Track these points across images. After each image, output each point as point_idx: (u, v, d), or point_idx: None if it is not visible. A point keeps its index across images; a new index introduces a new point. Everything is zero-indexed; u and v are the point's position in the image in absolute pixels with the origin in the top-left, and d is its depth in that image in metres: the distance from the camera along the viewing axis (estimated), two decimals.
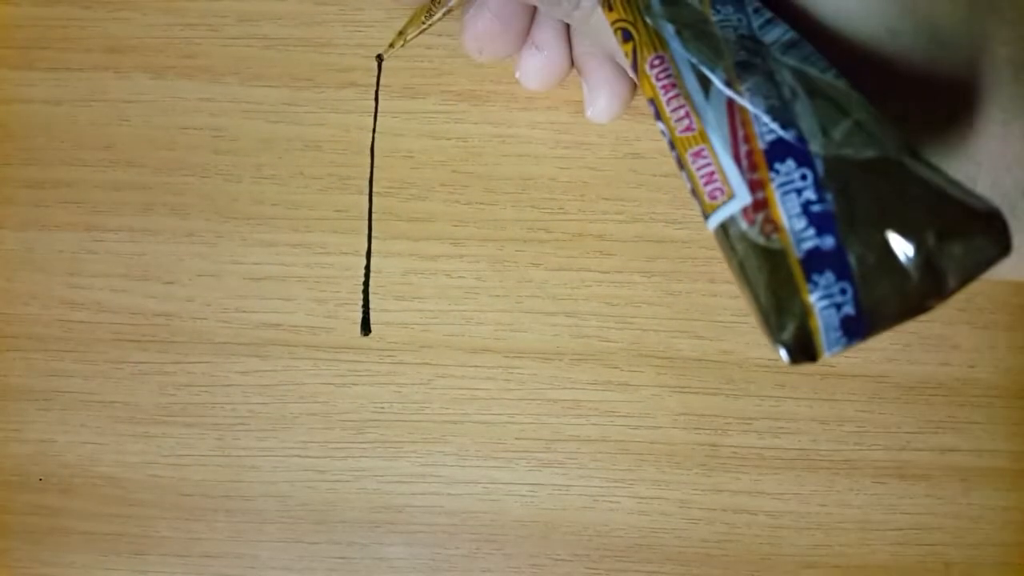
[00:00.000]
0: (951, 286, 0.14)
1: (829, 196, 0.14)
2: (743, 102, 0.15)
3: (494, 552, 0.36)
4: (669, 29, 0.16)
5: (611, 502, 0.36)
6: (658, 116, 0.16)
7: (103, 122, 0.37)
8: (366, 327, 0.37)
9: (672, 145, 0.16)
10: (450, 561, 0.36)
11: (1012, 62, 0.17)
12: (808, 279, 0.14)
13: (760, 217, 0.14)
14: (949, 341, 0.36)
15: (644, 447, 0.36)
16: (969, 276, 0.14)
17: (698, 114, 0.15)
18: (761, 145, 0.15)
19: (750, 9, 0.16)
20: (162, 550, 0.37)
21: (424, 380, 0.36)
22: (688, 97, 0.15)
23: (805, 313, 0.14)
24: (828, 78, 0.15)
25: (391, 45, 0.24)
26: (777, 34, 0.16)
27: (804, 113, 0.15)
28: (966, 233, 0.14)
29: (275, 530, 0.37)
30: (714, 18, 0.16)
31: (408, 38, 0.25)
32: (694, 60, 0.16)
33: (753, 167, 0.15)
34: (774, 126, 0.15)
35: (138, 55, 0.37)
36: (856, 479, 0.36)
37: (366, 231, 0.36)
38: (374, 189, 0.36)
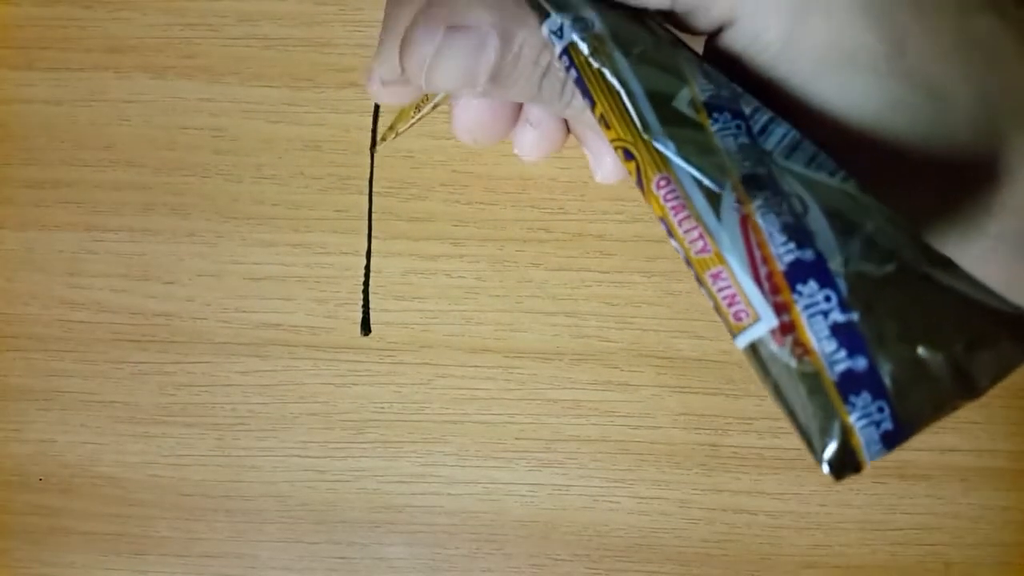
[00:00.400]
0: (983, 387, 0.14)
1: (855, 316, 0.14)
2: (756, 222, 0.15)
3: (494, 552, 0.36)
4: (671, 148, 0.16)
5: (611, 502, 0.36)
6: (671, 234, 0.16)
7: (103, 122, 0.37)
8: (366, 327, 0.37)
9: (688, 263, 0.16)
10: (450, 561, 0.36)
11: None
12: (846, 401, 0.14)
13: (789, 340, 0.14)
14: None
15: (644, 447, 0.36)
16: (999, 378, 0.14)
17: (712, 236, 0.15)
18: (780, 266, 0.15)
19: (747, 111, 0.16)
20: (162, 550, 0.37)
21: (424, 380, 0.36)
22: (700, 218, 0.15)
23: (846, 433, 0.14)
24: (836, 183, 0.15)
25: (382, 139, 0.24)
26: (778, 137, 0.16)
27: (819, 228, 0.15)
28: (994, 340, 0.14)
29: (275, 530, 0.37)
30: (713, 128, 0.16)
31: (399, 132, 0.24)
32: (700, 179, 0.15)
33: (775, 289, 0.14)
34: (790, 246, 0.14)
35: (138, 55, 0.37)
36: (856, 479, 0.36)
37: (366, 231, 0.36)
38: (374, 189, 0.36)
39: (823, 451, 0.14)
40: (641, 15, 0.17)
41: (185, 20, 0.37)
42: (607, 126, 0.17)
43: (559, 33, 0.17)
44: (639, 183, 0.16)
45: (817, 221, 0.15)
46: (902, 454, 0.35)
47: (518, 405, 0.36)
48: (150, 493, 0.37)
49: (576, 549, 0.36)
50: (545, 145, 0.21)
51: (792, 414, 0.15)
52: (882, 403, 0.14)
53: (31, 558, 0.37)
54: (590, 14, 0.17)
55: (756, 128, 0.16)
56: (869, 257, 0.14)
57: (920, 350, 0.14)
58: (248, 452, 0.37)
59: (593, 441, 0.36)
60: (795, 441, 0.36)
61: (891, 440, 0.14)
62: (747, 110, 0.16)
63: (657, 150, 0.16)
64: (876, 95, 0.17)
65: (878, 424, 0.14)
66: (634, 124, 0.16)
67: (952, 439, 0.35)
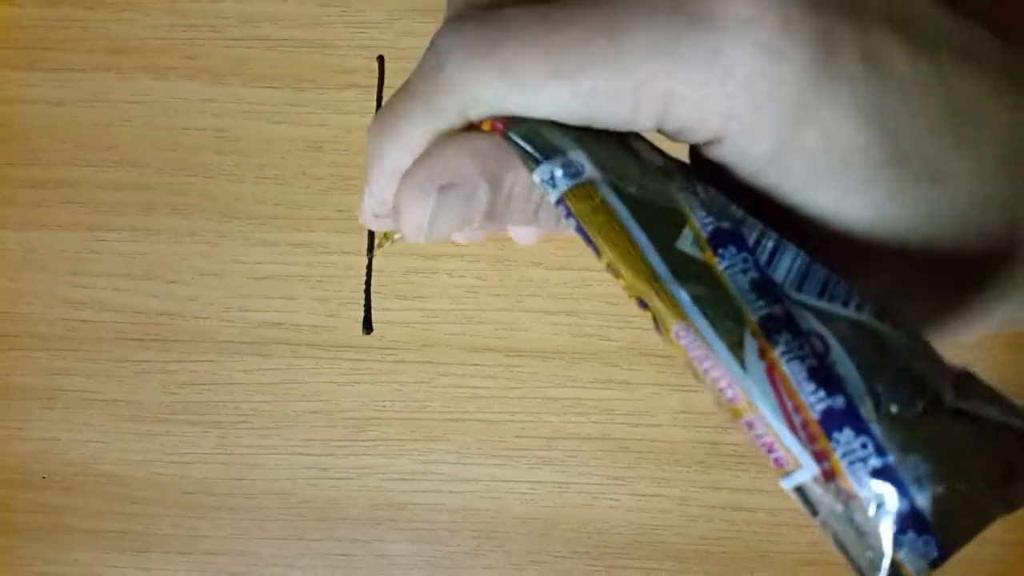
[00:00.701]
0: (1019, 506, 0.15)
1: (892, 460, 0.14)
2: (783, 371, 0.15)
3: (495, 549, 0.36)
4: (684, 297, 0.16)
5: (611, 499, 0.36)
6: (697, 378, 0.16)
7: (105, 122, 0.37)
8: (368, 326, 0.37)
9: (718, 405, 0.16)
10: (451, 558, 0.37)
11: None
12: (895, 543, 0.14)
13: (833, 486, 0.15)
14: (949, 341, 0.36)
15: (644, 445, 0.36)
16: None
17: (740, 385, 0.15)
18: (814, 415, 0.15)
19: (751, 240, 0.16)
20: (165, 547, 0.37)
21: (425, 378, 0.36)
22: (725, 367, 0.15)
23: (896, 567, 0.14)
24: (851, 313, 0.15)
25: (379, 245, 0.25)
26: (787, 265, 0.16)
27: (844, 370, 0.15)
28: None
29: (277, 527, 0.37)
30: (721, 266, 0.16)
31: (394, 239, 0.25)
32: (719, 329, 0.15)
33: (812, 438, 0.15)
34: (820, 394, 0.15)
35: (141, 56, 0.37)
36: None
37: (367, 230, 0.36)
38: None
39: None
40: (625, 135, 0.17)
41: (187, 21, 0.37)
42: (616, 274, 0.17)
43: (551, 183, 0.17)
44: (657, 330, 0.16)
45: (841, 362, 0.15)
46: None
47: (519, 403, 0.36)
48: (153, 491, 0.37)
49: (576, 546, 0.36)
50: (540, 233, 0.22)
51: (843, 549, 0.15)
52: (927, 537, 0.14)
53: (34, 556, 0.37)
54: (576, 154, 0.17)
55: (763, 259, 0.16)
56: (898, 398, 0.15)
57: (959, 486, 0.14)
58: (251, 450, 0.37)
59: (593, 439, 0.36)
60: None
61: (937, 563, 0.14)
62: (751, 239, 0.16)
63: (671, 300, 0.16)
64: (876, 193, 0.16)
65: (925, 555, 0.14)
66: (643, 274, 0.16)
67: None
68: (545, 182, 0.17)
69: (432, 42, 0.18)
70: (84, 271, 0.37)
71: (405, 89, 0.18)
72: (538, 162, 0.17)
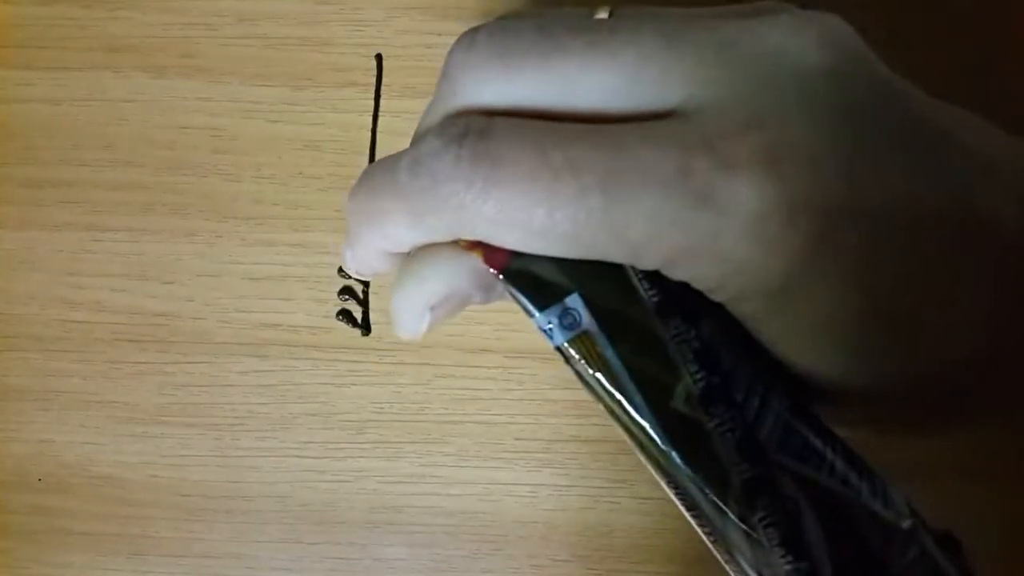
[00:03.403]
0: None
1: None
2: (759, 536, 0.16)
3: (494, 553, 0.36)
4: (675, 460, 0.17)
5: (612, 502, 0.36)
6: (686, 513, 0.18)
7: (102, 121, 0.37)
8: (366, 327, 0.37)
9: (706, 541, 0.18)
10: (450, 562, 0.36)
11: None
12: None
13: None
14: None
15: None
16: None
17: (722, 536, 0.17)
18: (780, 574, 0.16)
19: (740, 397, 0.17)
20: (161, 550, 0.37)
21: (424, 380, 0.36)
22: (708, 521, 0.17)
23: None
24: (823, 479, 0.16)
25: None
26: (770, 424, 0.17)
27: (813, 538, 0.16)
28: None
29: (274, 530, 0.37)
30: (710, 425, 0.16)
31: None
32: (706, 494, 0.17)
33: None
34: (789, 557, 0.16)
35: (137, 54, 0.37)
36: None
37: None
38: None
39: None
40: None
41: (184, 19, 0.37)
42: (612, 420, 0.17)
43: (549, 334, 0.17)
44: (650, 469, 0.18)
45: (811, 529, 0.16)
46: (901, 454, 0.35)
47: (519, 405, 0.36)
48: (149, 493, 0.37)
49: (577, 549, 0.36)
50: None
51: None
52: None
53: (30, 558, 0.37)
54: (574, 299, 0.17)
55: (750, 418, 0.17)
56: (854, 561, 0.16)
57: None
58: (247, 452, 0.37)
59: (594, 441, 0.36)
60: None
61: None
62: (739, 395, 0.17)
63: (663, 459, 0.17)
64: (859, 359, 0.17)
65: None
66: (638, 433, 0.17)
67: (952, 439, 0.35)
68: (544, 330, 0.18)
69: (424, 149, 0.17)
70: (81, 271, 0.37)
71: (393, 187, 0.18)
72: (533, 313, 0.17)
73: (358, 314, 0.36)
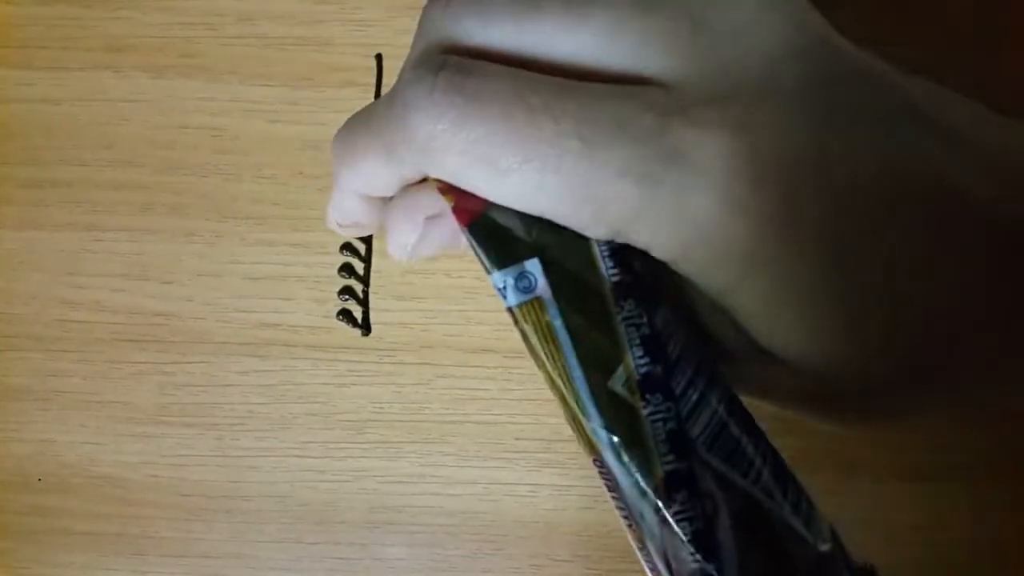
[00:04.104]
0: None
1: None
2: (672, 528, 0.17)
3: (494, 552, 0.36)
4: (604, 440, 0.17)
5: (612, 503, 0.36)
6: (605, 490, 0.18)
7: (102, 121, 0.37)
8: (366, 327, 0.37)
9: (622, 523, 0.18)
10: (450, 561, 0.36)
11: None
12: None
13: None
14: None
15: None
16: None
17: (637, 523, 0.17)
18: (687, 569, 0.16)
19: (678, 389, 0.17)
20: (161, 550, 0.37)
21: (424, 380, 0.36)
22: (627, 504, 0.17)
23: None
24: (747, 484, 0.17)
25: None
26: (704, 422, 0.17)
27: (724, 538, 0.16)
28: None
29: (274, 530, 0.37)
30: (644, 411, 0.17)
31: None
32: (629, 477, 0.17)
33: None
34: (697, 556, 0.16)
35: (138, 54, 0.37)
36: (856, 479, 0.35)
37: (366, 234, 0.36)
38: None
39: None
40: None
41: (184, 19, 0.37)
42: (551, 390, 0.18)
43: (503, 293, 0.17)
44: (580, 446, 0.18)
45: (724, 530, 0.16)
46: (902, 454, 0.35)
47: (518, 405, 0.36)
48: (149, 493, 0.37)
49: (577, 549, 0.36)
50: None
51: None
52: None
53: (30, 558, 0.37)
54: (532, 263, 0.17)
55: (685, 411, 0.17)
56: (761, 569, 0.16)
57: None
58: (247, 452, 0.37)
59: None
60: (795, 442, 0.36)
61: None
62: (679, 388, 0.17)
63: (594, 437, 0.17)
64: (821, 336, 0.17)
65: None
66: (573, 404, 0.17)
67: (952, 439, 0.35)
68: (498, 289, 0.17)
69: (400, 83, 0.17)
70: (81, 271, 0.37)
71: (368, 122, 0.18)
72: (491, 270, 0.17)
73: (358, 314, 0.36)
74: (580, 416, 0.17)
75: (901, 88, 0.17)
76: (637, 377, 0.17)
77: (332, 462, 0.36)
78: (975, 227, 0.16)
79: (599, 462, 0.17)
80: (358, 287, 0.36)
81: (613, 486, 0.17)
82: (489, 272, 0.17)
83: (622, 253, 0.17)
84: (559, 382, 0.17)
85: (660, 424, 0.17)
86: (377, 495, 0.36)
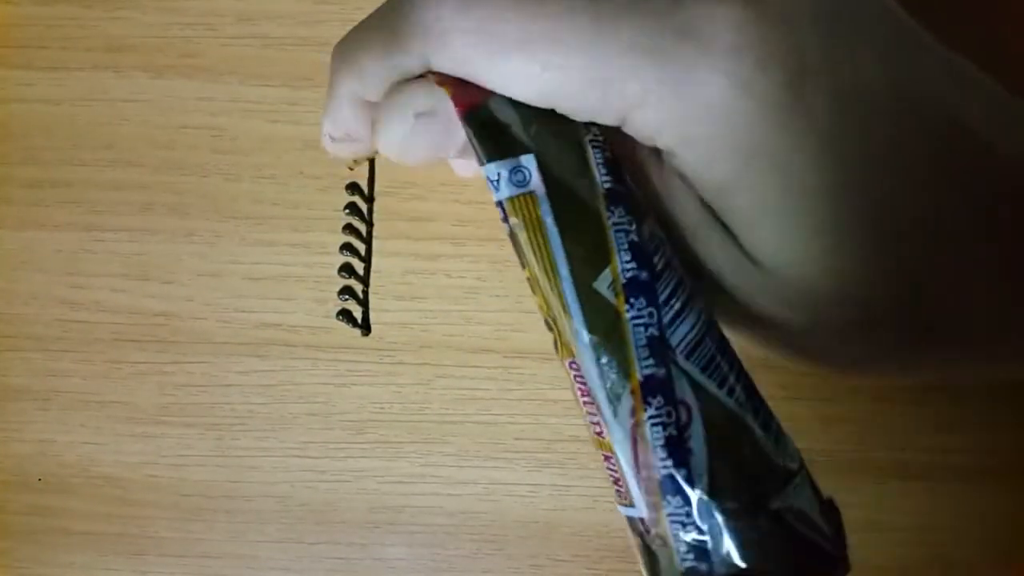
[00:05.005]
0: None
1: (706, 537, 0.16)
2: (644, 432, 0.17)
3: (494, 552, 0.36)
4: (584, 341, 0.17)
5: (612, 502, 0.36)
6: (576, 402, 0.18)
7: (102, 121, 0.37)
8: (366, 327, 0.37)
9: (588, 431, 0.18)
10: (450, 562, 0.36)
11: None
12: None
13: (654, 531, 0.17)
14: None
15: None
16: None
17: (607, 428, 0.17)
18: (657, 475, 0.16)
19: (662, 296, 0.17)
20: (161, 550, 0.37)
21: (424, 380, 0.36)
22: (599, 409, 0.17)
23: None
24: (722, 395, 0.17)
25: (356, 161, 0.25)
26: (685, 330, 0.17)
27: (696, 445, 0.17)
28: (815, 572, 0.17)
29: (275, 530, 0.37)
30: (628, 314, 0.17)
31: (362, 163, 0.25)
32: (606, 379, 0.17)
33: (650, 491, 0.17)
34: (668, 462, 0.16)
35: (137, 54, 0.37)
36: (856, 479, 0.35)
37: (366, 230, 0.36)
38: (375, 188, 0.36)
39: None
40: (583, 129, 0.17)
41: (184, 19, 0.37)
42: (533, 290, 0.18)
43: (495, 184, 0.17)
44: (556, 351, 0.18)
45: (696, 438, 0.17)
46: (902, 454, 0.35)
47: (519, 405, 0.36)
48: (149, 493, 0.37)
49: (577, 549, 0.36)
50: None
51: (654, 573, 0.18)
52: None
53: (30, 558, 0.37)
54: (527, 158, 0.17)
55: (667, 319, 0.17)
56: (730, 487, 0.17)
57: (756, 572, 0.17)
58: (247, 452, 0.37)
59: None
60: (796, 441, 0.36)
61: None
62: (663, 295, 0.17)
63: (573, 336, 0.17)
64: (818, 239, 0.16)
65: None
66: (555, 302, 0.17)
67: (952, 439, 0.35)
68: (491, 180, 0.17)
69: None
70: (80, 271, 0.37)
71: (373, 18, 0.18)
72: (486, 160, 0.17)
73: (358, 314, 0.36)
74: (562, 315, 0.17)
75: (914, 22, 0.17)
76: (623, 280, 0.17)
77: (332, 462, 0.36)
78: (996, 179, 0.16)
79: (574, 365, 0.17)
80: (358, 287, 0.36)
81: (586, 391, 0.17)
82: (483, 163, 0.17)
83: (615, 164, 0.17)
84: (543, 280, 0.17)
85: (641, 329, 0.17)
86: (377, 495, 0.36)
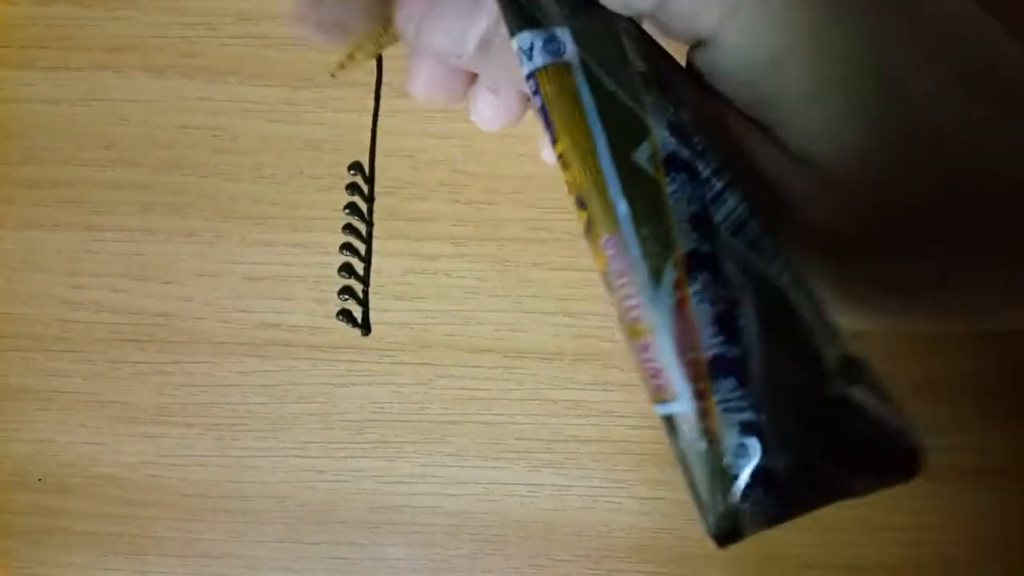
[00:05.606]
0: (859, 494, 0.16)
1: (763, 419, 0.15)
2: (691, 308, 0.15)
3: (494, 552, 0.36)
4: (624, 211, 0.16)
5: (612, 502, 0.36)
6: (608, 290, 0.16)
7: (102, 121, 0.37)
8: (366, 327, 0.37)
9: (620, 322, 0.16)
10: (450, 562, 0.36)
11: None
12: (742, 494, 0.15)
13: (702, 425, 0.15)
14: (950, 341, 0.36)
15: (645, 447, 0.36)
16: (875, 491, 0.16)
17: (648, 309, 0.16)
18: (705, 355, 0.15)
19: (705, 173, 0.16)
20: (161, 550, 0.37)
21: (424, 380, 0.36)
22: (639, 289, 0.16)
23: (734, 516, 0.15)
24: (774, 272, 0.16)
25: (341, 66, 0.24)
26: (729, 208, 0.16)
27: (747, 324, 0.15)
28: (879, 470, 0.16)
29: (275, 530, 0.37)
30: (669, 188, 0.16)
31: (357, 59, 0.24)
32: (648, 250, 0.16)
33: (697, 376, 0.15)
34: (719, 339, 0.15)
35: (138, 54, 0.37)
36: None
37: (366, 230, 0.36)
38: (375, 189, 0.36)
39: (712, 527, 0.16)
40: (617, 21, 0.17)
41: (184, 19, 0.37)
42: (566, 166, 0.17)
43: (528, 54, 0.16)
44: (587, 233, 0.16)
45: (747, 316, 0.15)
46: None
47: (518, 405, 0.36)
48: (149, 493, 0.37)
49: (576, 550, 0.36)
50: (505, 115, 0.21)
51: (693, 487, 0.16)
52: (772, 496, 0.15)
53: (30, 558, 0.37)
54: (562, 31, 0.16)
55: (711, 195, 0.16)
56: (786, 366, 0.15)
57: (816, 461, 0.15)
58: (247, 452, 0.37)
59: (593, 441, 0.36)
60: None
61: (771, 524, 0.16)
62: (705, 172, 0.16)
63: (610, 208, 0.16)
64: (854, 127, 0.16)
65: (764, 513, 0.15)
66: (591, 175, 0.16)
67: (952, 439, 0.35)
68: (523, 51, 0.16)
69: None
70: (81, 271, 0.37)
71: None
72: (520, 28, 0.16)
73: (358, 314, 0.36)
74: (598, 189, 0.16)
75: None
76: (663, 154, 0.16)
77: (332, 462, 0.36)
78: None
79: (610, 241, 0.16)
80: (358, 287, 0.36)
81: (623, 270, 0.16)
82: (514, 33, 0.16)
83: (652, 56, 0.17)
84: (576, 154, 0.16)
85: (684, 204, 0.16)
86: (377, 495, 0.36)
